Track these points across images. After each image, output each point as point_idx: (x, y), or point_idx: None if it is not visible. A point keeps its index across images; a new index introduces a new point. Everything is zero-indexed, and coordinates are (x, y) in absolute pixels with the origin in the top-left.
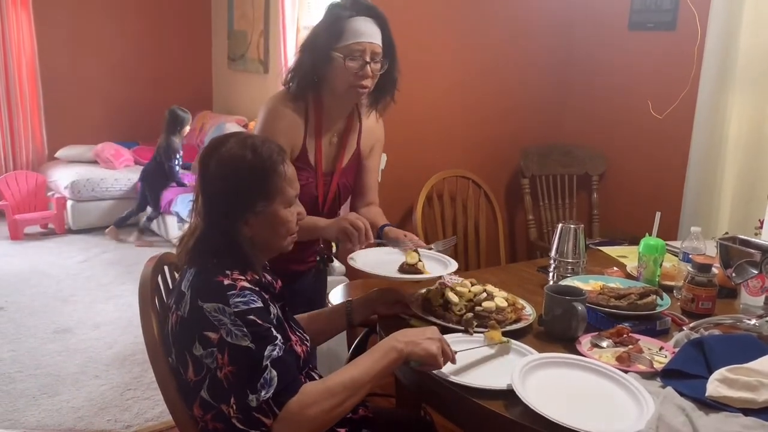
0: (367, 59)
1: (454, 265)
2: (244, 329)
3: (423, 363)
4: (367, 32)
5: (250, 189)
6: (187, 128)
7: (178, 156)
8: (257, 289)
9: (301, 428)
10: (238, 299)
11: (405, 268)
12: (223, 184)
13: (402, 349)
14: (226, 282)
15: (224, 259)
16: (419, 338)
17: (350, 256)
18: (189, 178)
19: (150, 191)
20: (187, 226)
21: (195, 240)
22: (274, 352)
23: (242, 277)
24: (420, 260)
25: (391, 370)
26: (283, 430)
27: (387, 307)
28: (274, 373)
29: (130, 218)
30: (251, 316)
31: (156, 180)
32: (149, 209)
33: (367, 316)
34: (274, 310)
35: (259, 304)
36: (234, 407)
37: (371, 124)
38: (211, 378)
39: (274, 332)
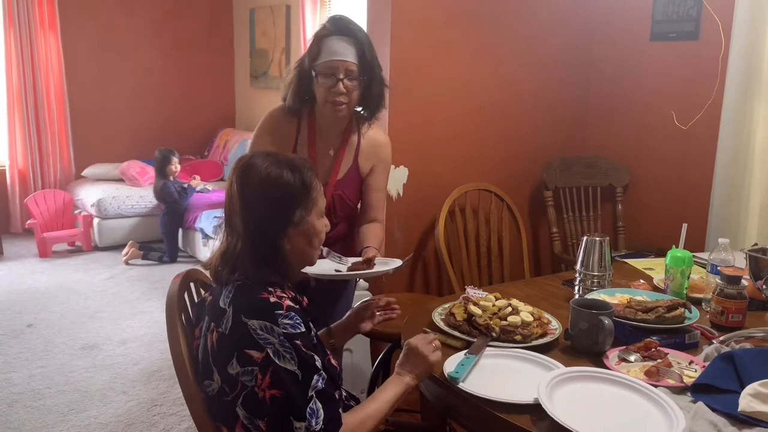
0: (341, 76)
1: (396, 263)
2: (292, 352)
3: None
4: (341, 51)
5: (292, 203)
6: (173, 166)
7: (174, 188)
8: (299, 308)
9: None
10: (286, 321)
11: (352, 267)
12: (266, 202)
13: (416, 382)
14: (272, 299)
15: (265, 274)
16: (421, 362)
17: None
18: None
19: (165, 237)
20: (217, 243)
21: (235, 257)
22: (319, 383)
23: (285, 295)
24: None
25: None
26: None
27: (368, 322)
28: (319, 405)
29: (155, 257)
30: (298, 341)
31: (170, 226)
32: (165, 248)
33: (349, 338)
34: (312, 330)
35: (304, 329)
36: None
37: (373, 142)
38: (247, 394)
39: (317, 363)
